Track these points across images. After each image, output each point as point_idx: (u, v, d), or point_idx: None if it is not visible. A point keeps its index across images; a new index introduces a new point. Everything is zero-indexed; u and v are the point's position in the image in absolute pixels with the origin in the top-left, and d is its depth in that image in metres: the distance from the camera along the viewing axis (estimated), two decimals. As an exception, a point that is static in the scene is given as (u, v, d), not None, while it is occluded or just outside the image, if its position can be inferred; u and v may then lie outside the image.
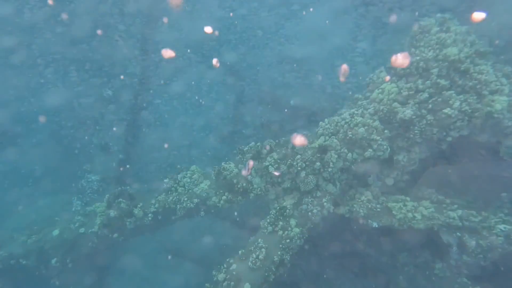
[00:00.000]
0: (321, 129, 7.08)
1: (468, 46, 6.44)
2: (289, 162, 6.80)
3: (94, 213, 7.89)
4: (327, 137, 6.87)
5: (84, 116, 12.55)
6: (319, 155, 6.73)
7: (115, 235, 7.63)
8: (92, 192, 10.11)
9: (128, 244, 8.48)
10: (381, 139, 6.38)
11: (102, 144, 11.32)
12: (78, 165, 11.02)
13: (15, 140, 12.28)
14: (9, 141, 12.22)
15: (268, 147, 7.30)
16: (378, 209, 6.37)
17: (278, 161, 6.98)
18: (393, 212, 6.12)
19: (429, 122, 6.15)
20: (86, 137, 11.69)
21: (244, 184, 7.24)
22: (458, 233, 5.76)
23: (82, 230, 7.75)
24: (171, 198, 7.47)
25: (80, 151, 11.60)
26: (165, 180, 7.74)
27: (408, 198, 6.38)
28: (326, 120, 7.17)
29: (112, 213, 7.40)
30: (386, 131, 6.43)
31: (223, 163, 7.67)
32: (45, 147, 12.21)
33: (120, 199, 7.57)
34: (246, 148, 7.46)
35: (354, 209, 6.61)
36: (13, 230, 8.33)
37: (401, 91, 6.54)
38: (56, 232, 7.90)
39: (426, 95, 6.25)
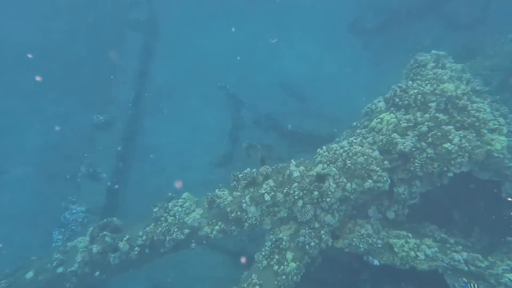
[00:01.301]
0: (319, 156, 6.91)
1: (464, 83, 6.51)
2: (286, 190, 6.53)
3: (75, 249, 7.34)
4: (325, 165, 6.69)
5: (72, 144, 12.29)
6: (317, 184, 6.49)
7: (97, 273, 7.06)
8: (75, 224, 9.55)
9: (111, 283, 7.89)
10: (381, 170, 6.20)
11: (90, 172, 10.89)
12: (63, 196, 10.49)
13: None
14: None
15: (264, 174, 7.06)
16: (379, 245, 6.09)
17: (274, 188, 6.70)
18: (395, 249, 5.84)
19: (429, 155, 6.03)
20: (73, 166, 11.26)
21: (239, 213, 6.90)
22: (464, 278, 5.45)
23: (60, 269, 7.15)
24: (160, 229, 7.06)
25: (67, 181, 11.13)
26: (154, 210, 7.34)
27: (410, 235, 6.12)
28: (324, 147, 7.02)
29: (95, 248, 6.89)
30: (386, 162, 6.28)
31: (216, 190, 7.38)
32: (29, 179, 11.73)
33: (105, 233, 7.10)
34: (241, 175, 7.21)
35: (354, 243, 6.30)
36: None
37: (400, 122, 6.49)
38: (30, 274, 7.25)
39: (425, 128, 6.18)
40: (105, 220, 7.60)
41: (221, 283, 8.88)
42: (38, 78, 13.75)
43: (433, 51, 7.53)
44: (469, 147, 5.98)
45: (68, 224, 9.80)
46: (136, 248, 7.06)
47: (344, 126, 10.19)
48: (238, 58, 13.89)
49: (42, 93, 13.99)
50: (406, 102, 6.65)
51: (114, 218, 7.66)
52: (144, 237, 7.11)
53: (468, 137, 6.08)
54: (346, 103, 11.35)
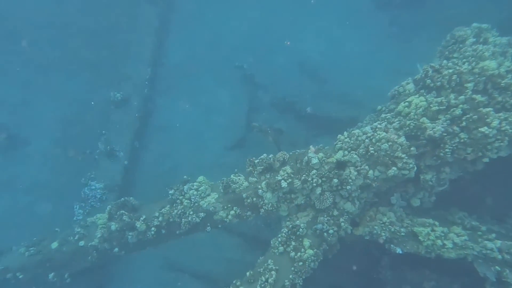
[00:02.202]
0: (339, 142, 6.62)
1: (510, 59, 5.93)
2: (303, 177, 6.31)
3: (95, 225, 7.50)
4: (346, 152, 6.42)
5: (90, 121, 12.33)
6: (336, 171, 6.24)
7: (116, 249, 7.18)
8: (95, 200, 9.69)
9: (129, 259, 8.02)
10: (406, 157, 5.86)
11: (108, 150, 10.92)
12: (83, 171, 10.61)
13: (18, 145, 12.05)
14: (13, 146, 12.00)
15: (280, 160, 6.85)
16: (402, 233, 5.84)
17: (292, 175, 6.48)
18: (420, 238, 5.58)
19: (462, 140, 5.62)
20: (91, 143, 11.31)
21: (254, 199, 6.77)
22: (497, 267, 5.15)
23: (81, 243, 7.36)
24: (175, 211, 7.04)
25: (85, 157, 11.21)
26: (170, 191, 7.28)
27: (437, 223, 5.82)
28: (345, 133, 6.72)
29: (114, 226, 6.97)
30: (412, 148, 5.92)
31: (232, 175, 7.25)
32: (49, 153, 11.86)
33: (122, 211, 7.14)
34: (257, 161, 7.03)
35: (375, 231, 6.08)
36: (13, 242, 7.95)
37: (431, 105, 6.08)
38: (55, 244, 7.51)
39: (459, 111, 5.73)
40: (122, 199, 7.65)
41: (235, 265, 8.91)
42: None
43: (474, 24, 6.88)
44: (510, 130, 5.49)
45: (87, 200, 9.96)
46: (153, 229, 7.10)
47: (366, 109, 9.75)
48: (255, 36, 13.39)
49: (58, 67, 13.97)
50: (439, 83, 6.19)
51: (131, 198, 7.69)
52: (160, 218, 7.13)
53: (510, 119, 5.56)
54: (369, 85, 10.78)
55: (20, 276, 7.34)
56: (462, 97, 5.87)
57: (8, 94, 13.19)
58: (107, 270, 9.18)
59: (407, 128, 6.13)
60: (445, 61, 6.41)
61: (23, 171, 11.51)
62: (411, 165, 5.88)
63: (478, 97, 5.73)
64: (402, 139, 6.00)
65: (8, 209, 10.54)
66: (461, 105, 5.82)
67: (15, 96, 13.21)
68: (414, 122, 6.09)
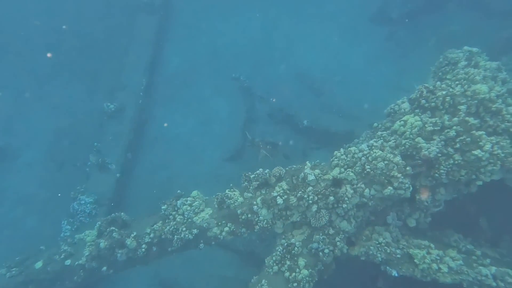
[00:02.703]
0: (336, 159, 6.69)
1: (500, 84, 6.11)
2: (299, 194, 6.36)
3: (82, 242, 7.40)
4: (342, 169, 6.48)
5: (83, 132, 12.34)
6: (333, 189, 6.30)
7: (104, 268, 7.11)
8: (84, 215, 9.63)
9: (117, 278, 7.96)
10: (402, 177, 5.95)
11: (99, 162, 10.91)
12: (72, 184, 10.57)
13: (7, 157, 12.01)
14: (2, 158, 11.95)
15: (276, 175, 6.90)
16: (398, 255, 5.89)
17: (288, 191, 6.53)
18: (415, 260, 5.64)
19: (456, 162, 5.74)
20: (82, 154, 11.29)
21: (249, 215, 6.79)
22: None
23: (68, 262, 7.25)
24: (168, 227, 7.02)
25: (76, 169, 11.18)
26: (162, 207, 7.28)
27: (432, 245, 5.89)
28: (341, 149, 6.79)
29: (102, 243, 6.91)
30: (408, 168, 6.01)
31: (227, 190, 7.26)
32: (38, 165, 11.83)
33: (112, 228, 7.10)
34: (253, 175, 7.06)
35: (371, 252, 6.13)
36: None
37: (426, 125, 6.20)
38: (39, 264, 7.37)
39: (453, 132, 5.87)
40: (113, 215, 7.60)
41: (229, 283, 8.89)
42: (48, 55, 13.81)
43: (466, 47, 7.11)
44: (502, 154, 5.65)
45: (76, 215, 9.89)
46: (144, 246, 7.06)
47: (363, 123, 9.94)
48: (253, 47, 13.58)
49: (52, 76, 14.05)
50: (433, 104, 6.33)
51: (122, 214, 7.64)
52: (151, 235, 7.09)
53: (502, 143, 5.74)
54: (366, 99, 10.98)
55: (0, 300, 7.18)
56: (455, 119, 6.02)
57: (1, 103, 13.20)
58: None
59: (403, 147, 6.23)
60: (438, 83, 6.58)
61: (11, 183, 11.44)
62: (406, 185, 5.96)
63: (471, 120, 5.89)
64: (398, 158, 6.09)
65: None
66: (454, 127, 5.96)
67: (6, 106, 13.23)
68: (410, 142, 6.20)
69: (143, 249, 7.01)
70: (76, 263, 7.27)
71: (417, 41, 12.16)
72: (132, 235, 7.09)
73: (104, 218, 7.61)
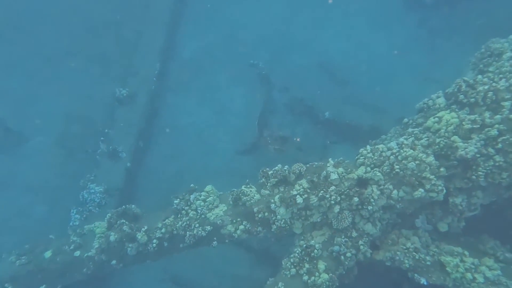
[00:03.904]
0: (361, 157, 6.48)
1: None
2: (321, 194, 6.18)
3: (92, 233, 7.46)
4: (368, 168, 6.28)
5: (94, 117, 12.38)
6: (357, 189, 6.10)
7: (114, 261, 7.15)
8: (93, 205, 9.70)
9: (127, 272, 7.99)
10: (435, 178, 5.69)
11: (110, 150, 10.94)
12: (82, 171, 10.64)
13: (16, 142, 12.15)
14: (10, 143, 12.11)
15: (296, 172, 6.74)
16: (428, 262, 5.67)
17: (308, 190, 6.36)
18: (447, 269, 5.42)
19: (497, 164, 5.44)
20: (93, 141, 11.34)
21: (266, 214, 6.67)
22: None
23: (77, 253, 7.32)
24: (180, 223, 6.97)
25: (87, 155, 11.24)
26: (175, 201, 7.22)
27: (466, 252, 5.65)
28: (368, 147, 6.57)
29: (112, 236, 6.92)
30: (442, 169, 5.75)
31: (243, 187, 7.15)
32: (48, 151, 11.93)
33: (123, 221, 7.10)
34: (271, 172, 6.92)
35: (397, 257, 5.94)
36: (4, 246, 8.01)
37: (463, 123, 5.91)
38: (48, 253, 7.49)
39: (495, 132, 5.55)
40: (123, 207, 7.60)
41: (241, 282, 8.84)
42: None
43: (512, 36, 6.72)
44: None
45: (85, 204, 9.97)
46: (155, 241, 7.04)
47: (389, 118, 9.68)
48: (273, 33, 13.26)
49: (65, 59, 14.07)
50: (472, 99, 6.02)
51: (133, 206, 7.65)
52: (163, 230, 7.06)
53: (549, 146, 5.43)
54: (394, 91, 10.64)
55: (9, 288, 7.35)
56: (498, 116, 5.71)
57: (11, 86, 13.33)
58: (103, 284, 9.17)
59: (437, 146, 5.98)
60: (479, 76, 6.23)
61: (20, 170, 11.57)
62: (440, 187, 5.72)
63: (517, 118, 5.56)
64: (431, 159, 5.84)
65: (2, 210, 10.61)
66: (496, 125, 5.66)
67: (18, 88, 13.35)
68: (445, 141, 5.94)
69: (154, 244, 7.00)
70: (86, 255, 7.35)
71: (453, 29, 11.63)
72: (143, 229, 7.07)
73: (114, 210, 7.63)
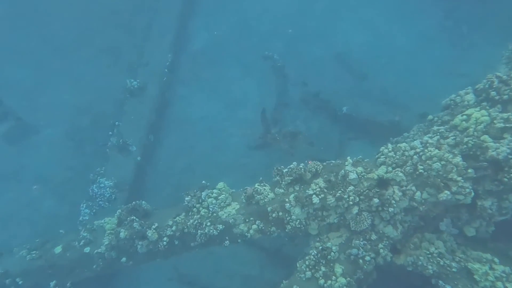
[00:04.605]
0: (382, 156, 6.27)
1: None
2: (339, 194, 6.02)
3: (102, 229, 7.46)
4: (389, 168, 6.08)
5: (104, 109, 12.40)
6: (377, 190, 5.92)
7: (124, 259, 7.14)
8: (103, 200, 9.73)
9: (136, 269, 8.01)
10: (463, 180, 5.47)
11: (120, 143, 10.93)
12: (92, 165, 10.69)
13: (26, 134, 12.27)
14: (21, 135, 12.23)
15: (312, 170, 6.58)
16: (454, 269, 5.47)
17: (325, 190, 6.20)
18: (476, 277, 5.22)
19: (533, 166, 5.19)
20: (102, 134, 11.35)
21: (280, 213, 6.55)
22: None
23: (87, 249, 7.36)
24: (191, 221, 6.90)
25: (96, 149, 11.28)
26: (186, 198, 7.15)
27: (496, 259, 5.43)
28: (389, 145, 6.36)
29: (123, 233, 6.91)
30: (470, 170, 5.52)
31: (256, 185, 7.02)
32: (58, 144, 12.00)
33: (133, 217, 7.07)
34: (286, 170, 6.79)
35: (420, 262, 5.76)
36: (15, 240, 8.12)
37: (495, 121, 5.65)
38: (58, 249, 7.56)
39: (530, 130, 5.30)
40: (133, 203, 7.58)
41: (252, 282, 8.78)
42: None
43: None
44: None
45: (95, 199, 10.02)
46: (165, 239, 7.01)
47: (411, 114, 9.43)
48: (290, 29, 13.03)
49: (75, 49, 14.12)
50: (505, 96, 5.75)
51: (143, 202, 7.61)
52: (174, 228, 7.01)
53: None
54: (417, 85, 10.35)
55: (20, 282, 7.41)
56: (534, 114, 5.43)
57: (21, 77, 13.45)
58: (112, 281, 9.25)
59: (465, 146, 5.74)
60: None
61: (30, 162, 11.71)
62: (467, 190, 5.50)
63: (555, 116, 5.28)
64: (458, 159, 5.61)
65: (12, 203, 10.75)
66: (532, 124, 5.38)
67: (27, 78, 13.46)
68: (474, 140, 5.69)
69: (164, 242, 6.96)
70: (95, 251, 7.37)
71: (483, 20, 11.22)
72: (154, 226, 7.04)
73: (124, 206, 7.62)
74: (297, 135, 9.93)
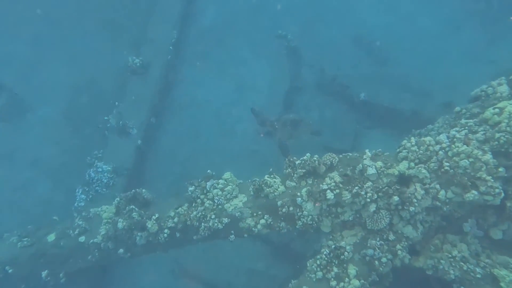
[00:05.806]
0: (404, 150, 6.09)
1: None
2: (355, 190, 5.87)
3: (98, 217, 7.41)
4: (412, 164, 5.91)
5: (103, 88, 12.25)
6: (398, 187, 5.76)
7: (121, 250, 7.10)
8: (100, 185, 9.69)
9: (134, 260, 7.99)
10: (492, 180, 5.28)
11: (120, 125, 10.82)
12: (89, 147, 10.61)
13: (20, 112, 12.18)
14: (15, 113, 12.14)
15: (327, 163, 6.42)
16: (478, 275, 5.35)
17: (340, 185, 6.05)
18: (502, 285, 5.10)
19: None
20: (101, 114, 11.22)
21: (291, 208, 6.43)
22: None
23: (82, 239, 7.31)
24: (195, 213, 6.81)
25: (94, 131, 11.18)
26: (190, 188, 7.04)
27: (525, 266, 5.29)
28: (412, 139, 6.16)
29: (121, 223, 6.85)
30: (501, 169, 5.32)
31: (266, 176, 6.89)
32: (54, 123, 11.90)
33: (132, 206, 6.99)
34: (298, 161, 6.63)
35: (441, 266, 5.64)
36: (4, 225, 8.10)
37: (531, 115, 5.39)
38: (52, 237, 7.51)
39: None
40: (133, 191, 7.50)
41: (258, 277, 8.76)
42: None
43: None
44: None
45: (92, 184, 9.98)
46: (166, 231, 6.95)
47: (435, 103, 9.23)
48: (304, 2, 12.78)
49: (74, 23, 13.88)
50: (544, 89, 5.50)
51: (144, 190, 7.53)
52: (175, 219, 6.94)
53: None
54: (441, 72, 10.10)
55: (10, 271, 7.38)
56: None
57: (17, 51, 13.26)
58: (108, 272, 9.26)
59: (496, 142, 5.54)
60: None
61: (24, 143, 11.63)
62: (497, 190, 5.32)
63: None
64: (488, 156, 5.41)
65: (3, 185, 10.71)
66: None
67: (24, 53, 13.28)
68: (506, 136, 5.48)
69: (165, 235, 6.90)
70: (91, 241, 7.33)
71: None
72: (154, 217, 6.97)
73: (123, 194, 7.53)
74: (299, 123, 9.36)
